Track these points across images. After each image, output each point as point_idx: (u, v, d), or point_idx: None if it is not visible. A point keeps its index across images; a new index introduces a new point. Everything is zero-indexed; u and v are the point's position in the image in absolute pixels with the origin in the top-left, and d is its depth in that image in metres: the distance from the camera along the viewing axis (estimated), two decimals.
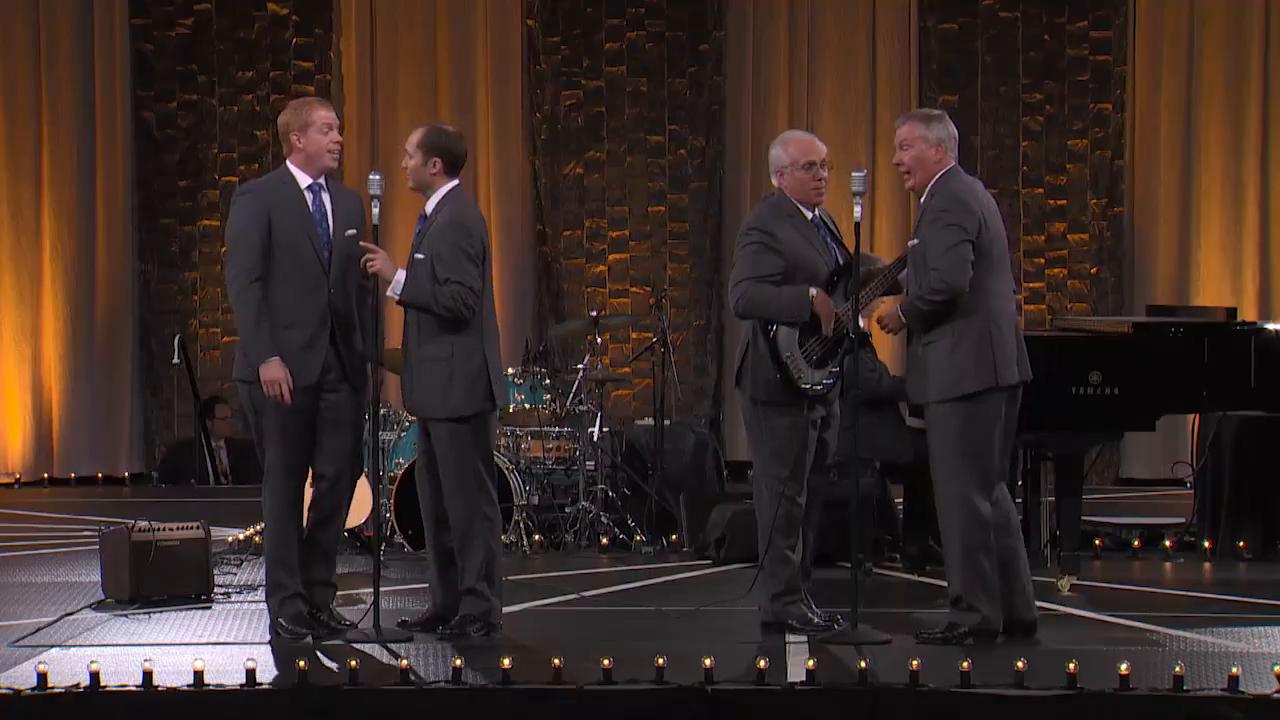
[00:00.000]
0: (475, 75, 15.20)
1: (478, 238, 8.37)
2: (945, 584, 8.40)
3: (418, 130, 8.53)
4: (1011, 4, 15.02)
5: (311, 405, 8.32)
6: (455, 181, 8.48)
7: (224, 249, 8.67)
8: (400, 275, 8.27)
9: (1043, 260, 15.00)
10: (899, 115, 8.91)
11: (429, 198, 8.47)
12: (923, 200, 8.29)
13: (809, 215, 8.43)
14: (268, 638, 8.34)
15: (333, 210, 8.41)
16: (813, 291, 8.30)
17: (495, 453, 8.52)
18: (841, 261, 8.42)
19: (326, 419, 8.37)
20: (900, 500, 10.72)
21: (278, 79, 15.20)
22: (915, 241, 8.25)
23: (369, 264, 8.28)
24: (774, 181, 8.49)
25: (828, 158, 8.47)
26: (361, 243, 8.34)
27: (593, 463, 11.51)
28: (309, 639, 8.24)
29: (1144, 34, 14.93)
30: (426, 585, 8.69)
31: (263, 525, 8.43)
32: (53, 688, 7.25)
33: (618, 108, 15.24)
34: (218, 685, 7.32)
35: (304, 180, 8.41)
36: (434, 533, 8.50)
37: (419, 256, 8.33)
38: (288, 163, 8.47)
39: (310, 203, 8.38)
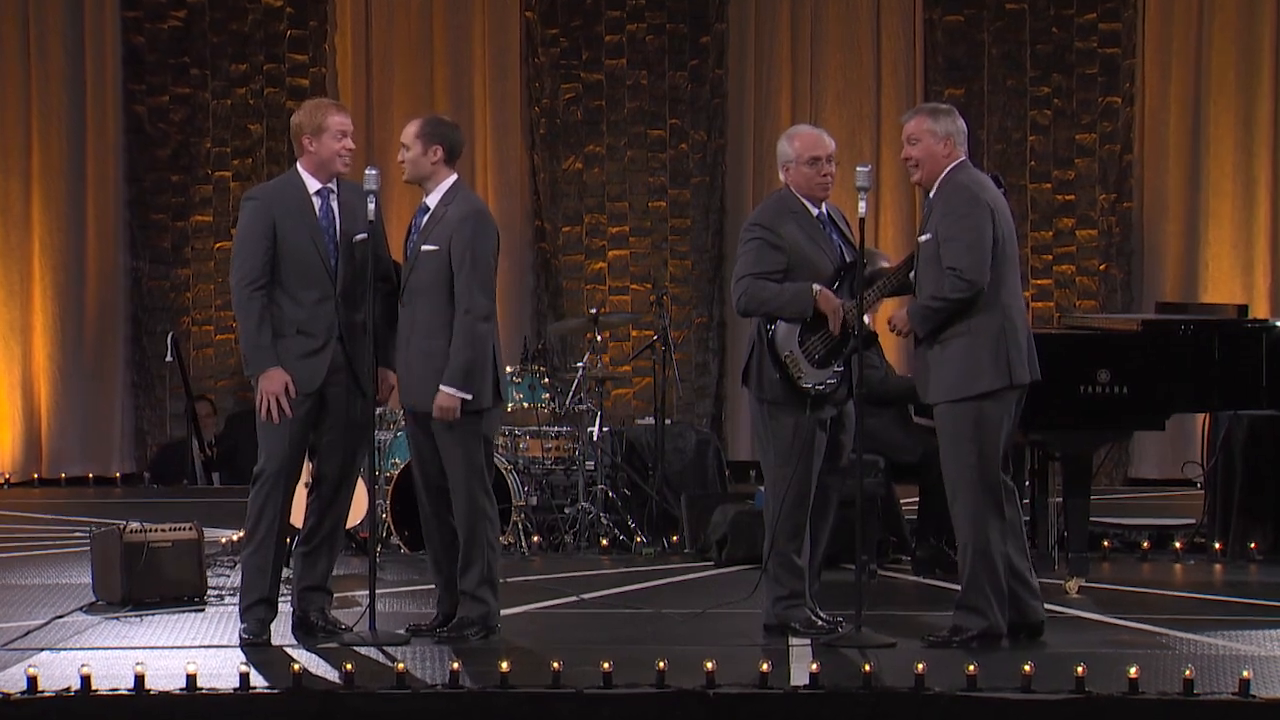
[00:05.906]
0: (473, 68, 15.13)
1: (496, 230, 8.30)
2: (950, 586, 8.32)
3: (413, 123, 8.41)
4: None
5: (314, 412, 8.23)
6: (455, 175, 8.35)
7: (216, 245, 8.54)
8: (457, 392, 8.08)
9: (1050, 256, 14.94)
10: (904, 109, 8.85)
11: (430, 190, 8.32)
12: (931, 195, 8.22)
13: (815, 211, 8.35)
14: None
15: (341, 214, 8.29)
16: (816, 288, 8.22)
17: (494, 452, 8.48)
18: (848, 259, 8.33)
19: (333, 423, 8.27)
20: (912, 501, 10.62)
21: (271, 72, 15.11)
22: (927, 237, 8.14)
23: (446, 417, 8.14)
24: (780, 176, 8.43)
25: (835, 153, 8.40)
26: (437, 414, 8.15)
27: (592, 463, 11.45)
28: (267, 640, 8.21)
29: (1153, 27, 14.86)
30: (422, 587, 8.63)
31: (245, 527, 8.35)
32: (43, 692, 7.22)
33: (618, 101, 15.17)
34: (211, 689, 7.28)
35: (313, 185, 8.29)
36: (434, 532, 8.39)
37: (429, 248, 8.19)
38: (298, 165, 8.35)
39: (318, 208, 8.27)
